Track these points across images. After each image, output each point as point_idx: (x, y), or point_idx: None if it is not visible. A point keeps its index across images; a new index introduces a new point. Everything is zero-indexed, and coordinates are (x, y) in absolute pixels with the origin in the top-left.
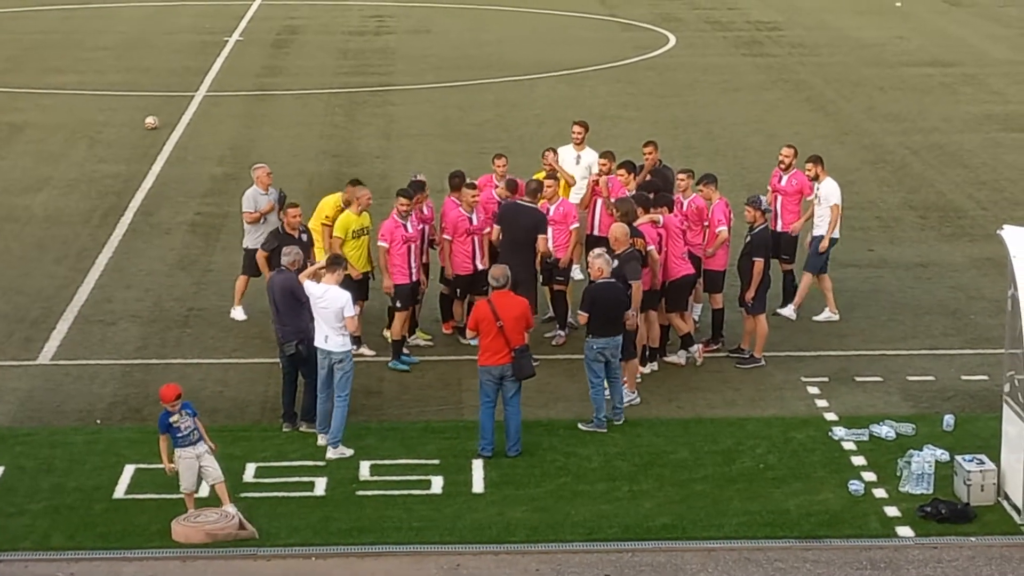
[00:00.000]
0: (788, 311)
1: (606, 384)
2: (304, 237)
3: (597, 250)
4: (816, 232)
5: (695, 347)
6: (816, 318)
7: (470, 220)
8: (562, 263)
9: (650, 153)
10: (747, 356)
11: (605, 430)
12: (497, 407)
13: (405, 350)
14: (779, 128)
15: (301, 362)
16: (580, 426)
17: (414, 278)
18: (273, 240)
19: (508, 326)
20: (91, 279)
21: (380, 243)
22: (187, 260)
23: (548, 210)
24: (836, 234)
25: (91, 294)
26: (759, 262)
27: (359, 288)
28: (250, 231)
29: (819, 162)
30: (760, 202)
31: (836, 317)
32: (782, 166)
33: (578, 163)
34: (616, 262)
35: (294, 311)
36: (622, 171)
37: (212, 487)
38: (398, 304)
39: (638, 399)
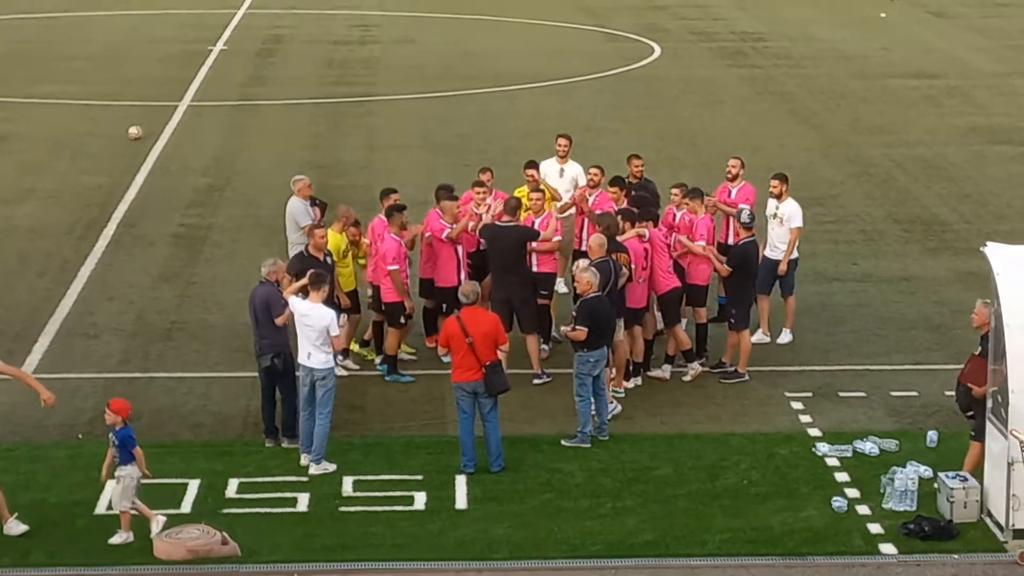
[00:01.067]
0: (784, 336)
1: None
2: (329, 260)
3: (582, 263)
4: (771, 253)
5: (696, 363)
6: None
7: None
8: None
9: (639, 166)
10: (731, 371)
11: (589, 445)
12: (478, 422)
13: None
14: (764, 140)
15: (277, 376)
16: (563, 442)
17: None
18: (297, 263)
19: (478, 342)
20: (73, 292)
21: (391, 267)
22: (170, 272)
23: (533, 223)
24: (795, 254)
25: (73, 307)
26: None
27: (352, 304)
28: (295, 244)
29: (785, 180)
30: (743, 214)
31: (767, 339)
32: (729, 176)
33: (562, 176)
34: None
35: (271, 324)
36: (614, 188)
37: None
38: (401, 319)
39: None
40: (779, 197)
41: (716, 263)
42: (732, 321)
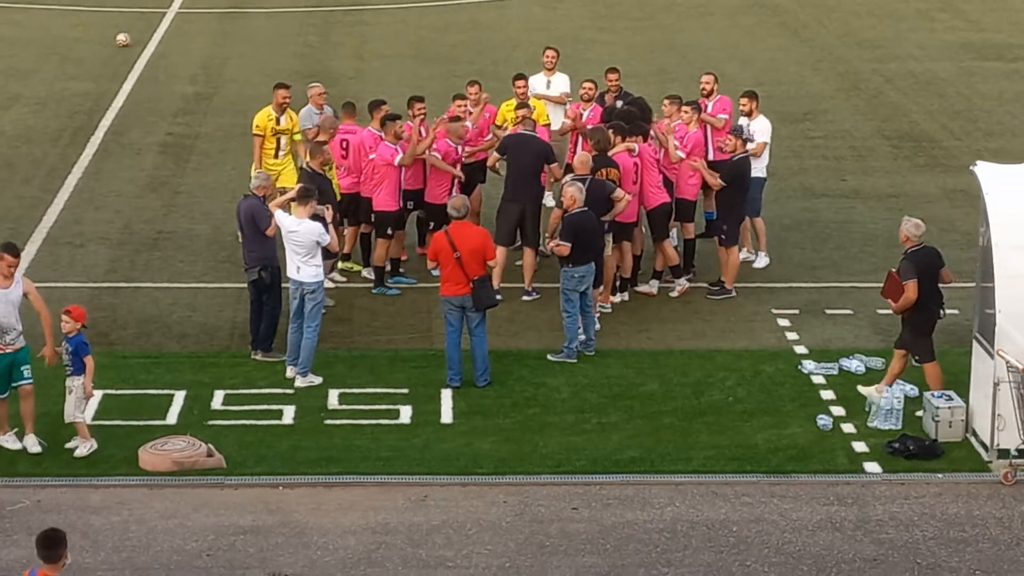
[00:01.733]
0: (760, 260)
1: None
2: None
3: (567, 178)
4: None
5: (683, 279)
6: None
7: (457, 150)
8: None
9: (615, 80)
10: (718, 287)
11: (575, 360)
12: (465, 337)
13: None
14: (754, 53)
15: (264, 289)
16: (549, 357)
17: (400, 204)
18: (307, 180)
19: (466, 258)
20: (60, 200)
21: (396, 160)
22: (157, 182)
23: None
24: (763, 173)
25: (60, 215)
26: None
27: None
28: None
29: (755, 98)
30: (742, 130)
31: (753, 259)
32: (704, 92)
33: (549, 88)
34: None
35: (258, 237)
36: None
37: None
38: (388, 231)
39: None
40: (750, 115)
41: (708, 177)
42: (722, 236)
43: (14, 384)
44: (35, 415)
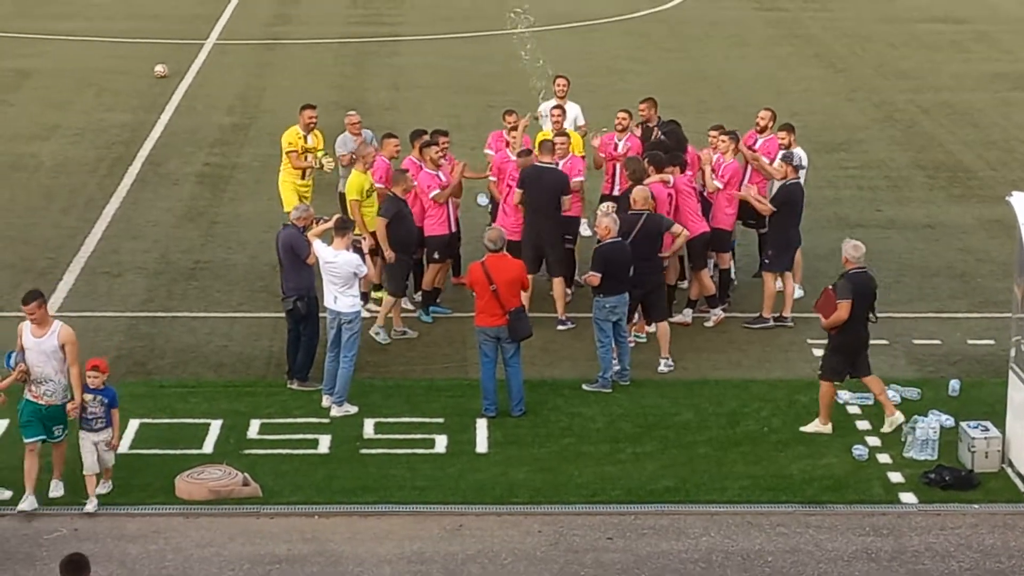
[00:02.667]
0: (797, 291)
1: (614, 344)
2: None
3: (603, 207)
4: None
5: (718, 309)
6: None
7: (438, 178)
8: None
9: (643, 109)
10: (768, 318)
11: (610, 390)
12: (500, 367)
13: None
14: (789, 84)
15: (301, 319)
16: (584, 387)
17: (452, 229)
18: (392, 207)
19: (502, 289)
20: (98, 230)
21: (432, 194)
22: (194, 211)
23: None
24: None
25: (98, 245)
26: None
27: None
28: (344, 176)
29: (792, 131)
30: (793, 156)
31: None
32: (758, 127)
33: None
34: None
35: (296, 267)
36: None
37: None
38: (436, 255)
39: (672, 365)
40: (788, 147)
41: (756, 203)
42: (766, 262)
43: (47, 439)
44: (64, 463)
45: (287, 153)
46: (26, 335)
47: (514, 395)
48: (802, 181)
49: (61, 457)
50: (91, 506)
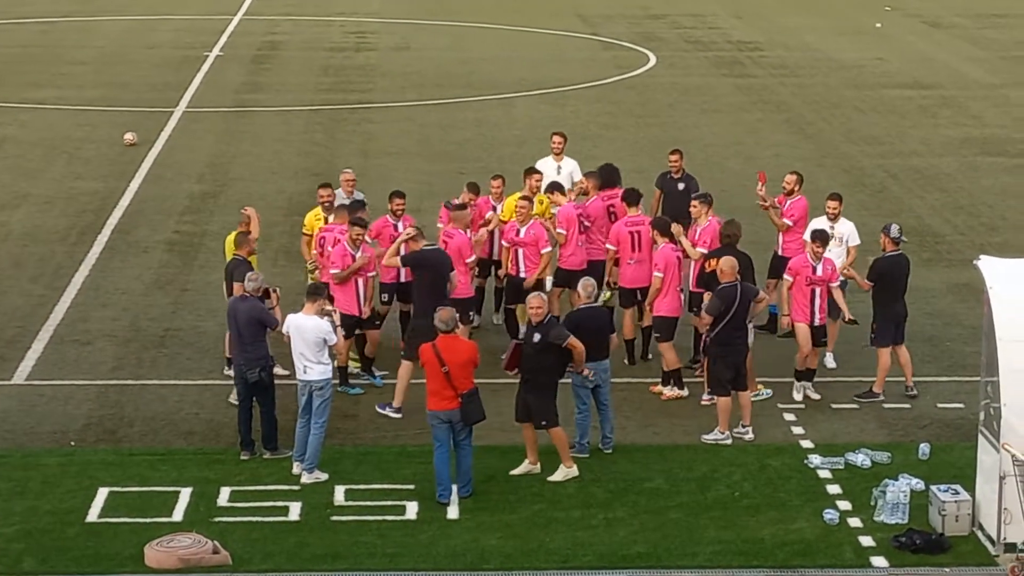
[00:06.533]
0: (828, 360)
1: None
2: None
3: (588, 279)
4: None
5: (672, 387)
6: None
7: (395, 228)
8: (526, 284)
9: (675, 160)
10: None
11: (587, 455)
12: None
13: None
14: (758, 150)
15: (261, 390)
16: None
17: (360, 311)
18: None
19: (454, 371)
20: (67, 298)
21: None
22: (164, 279)
23: (519, 232)
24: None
25: (67, 313)
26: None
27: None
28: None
29: (841, 200)
30: (891, 229)
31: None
32: (785, 191)
33: (559, 173)
34: (737, 292)
35: (258, 338)
36: (695, 203)
37: None
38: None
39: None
40: (835, 219)
41: (858, 279)
42: (873, 336)
43: None
44: None
45: (303, 234)
46: None
47: (462, 476)
48: (851, 255)
49: None
50: None
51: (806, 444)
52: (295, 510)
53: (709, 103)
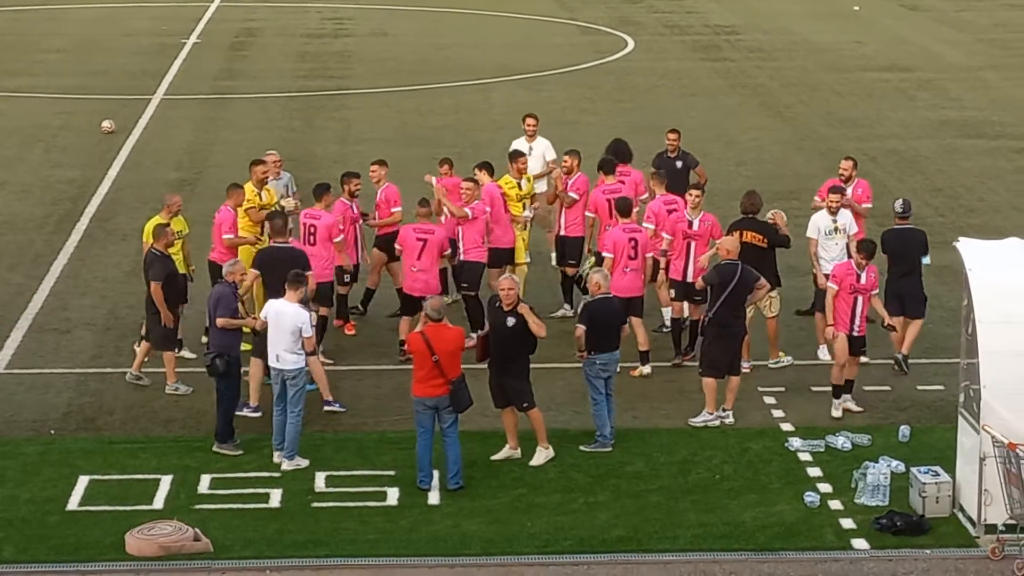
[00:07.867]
0: (821, 352)
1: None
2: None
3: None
4: (828, 269)
5: (648, 366)
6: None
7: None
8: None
9: (674, 140)
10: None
11: (609, 449)
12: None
13: None
14: (737, 134)
15: (218, 376)
16: (582, 448)
17: None
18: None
19: (444, 360)
20: (46, 286)
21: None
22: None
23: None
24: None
25: (46, 302)
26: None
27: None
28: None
29: (843, 192)
30: (895, 204)
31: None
32: (842, 178)
33: (531, 153)
34: (738, 271)
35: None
36: (694, 192)
37: None
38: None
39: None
40: (848, 180)
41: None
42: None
43: None
44: None
45: (246, 210)
46: None
47: (451, 467)
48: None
49: None
50: None
51: (786, 427)
52: (276, 497)
53: (687, 87)
